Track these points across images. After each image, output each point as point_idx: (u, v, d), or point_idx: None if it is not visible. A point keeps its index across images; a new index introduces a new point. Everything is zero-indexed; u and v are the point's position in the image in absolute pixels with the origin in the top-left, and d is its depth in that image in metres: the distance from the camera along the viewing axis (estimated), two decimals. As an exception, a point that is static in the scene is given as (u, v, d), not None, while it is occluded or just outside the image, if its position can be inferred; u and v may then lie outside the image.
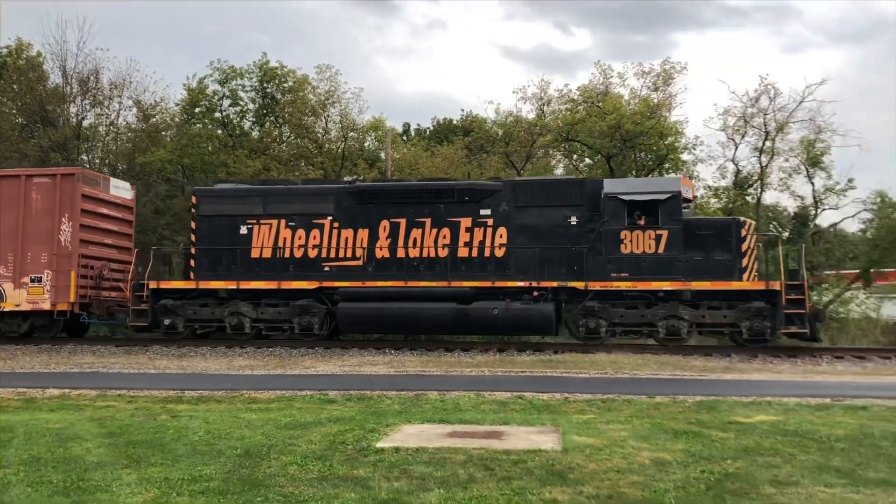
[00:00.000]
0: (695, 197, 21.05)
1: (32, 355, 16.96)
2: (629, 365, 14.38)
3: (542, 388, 11.01)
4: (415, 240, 18.01)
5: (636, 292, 17.07)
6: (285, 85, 29.91)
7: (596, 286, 17.05)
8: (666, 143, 27.59)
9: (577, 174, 28.58)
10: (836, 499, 5.36)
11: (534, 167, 29.32)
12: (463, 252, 17.82)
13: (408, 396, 10.38)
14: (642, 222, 16.98)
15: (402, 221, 18.09)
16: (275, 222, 18.55)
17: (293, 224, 18.48)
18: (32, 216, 19.10)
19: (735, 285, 16.62)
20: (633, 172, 26.34)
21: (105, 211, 20.29)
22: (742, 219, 17.81)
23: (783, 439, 7.41)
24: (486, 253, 17.74)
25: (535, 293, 17.29)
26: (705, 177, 35.64)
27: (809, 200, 26.91)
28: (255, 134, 30.94)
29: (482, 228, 17.85)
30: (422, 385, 11.50)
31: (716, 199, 27.90)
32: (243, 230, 18.62)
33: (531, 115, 29.67)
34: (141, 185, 25.65)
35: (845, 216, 27.44)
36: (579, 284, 17.11)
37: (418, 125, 45.12)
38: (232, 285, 18.32)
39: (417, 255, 17.95)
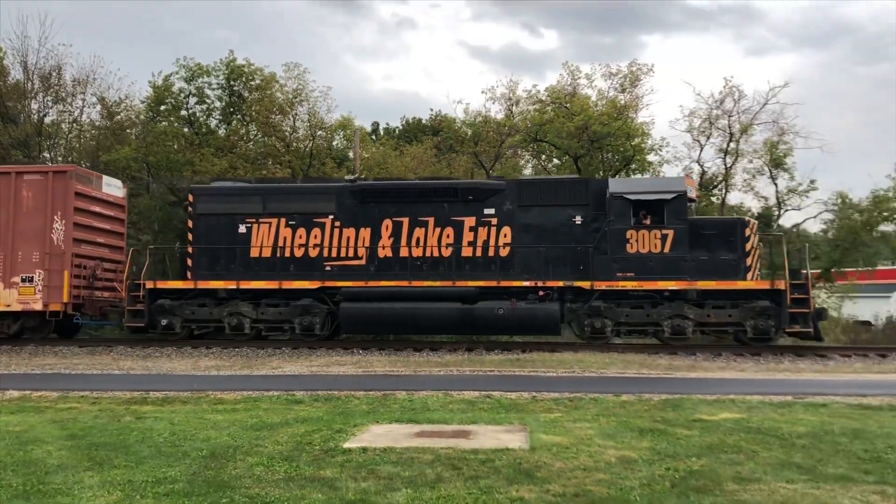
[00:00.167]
0: (698, 196, 21.23)
1: (-8, 356, 16.61)
2: (596, 364, 14.50)
3: (510, 388, 11.06)
4: (418, 239, 17.91)
5: (642, 292, 17.15)
6: (252, 83, 29.61)
7: (602, 286, 17.09)
8: (633, 144, 27.86)
9: (546, 174, 28.72)
10: (797, 494, 5.45)
11: (502, 167, 29.41)
12: (467, 252, 17.75)
13: (376, 396, 10.35)
14: (648, 222, 17.07)
15: (405, 221, 17.98)
16: (274, 221, 18.34)
17: (293, 223, 18.29)
18: (23, 214, 18.70)
19: (740, 285, 16.78)
20: (601, 173, 26.54)
21: (98, 209, 19.94)
22: (746, 218, 18.14)
23: (746, 436, 7.52)
24: (491, 252, 17.68)
25: (541, 293, 17.27)
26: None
27: (773, 201, 27.33)
28: (221, 132, 30.60)
29: (486, 228, 17.80)
30: (390, 385, 11.49)
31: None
32: (242, 229, 18.39)
33: (500, 116, 29.79)
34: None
35: (807, 217, 28.01)
36: (585, 284, 17.14)
37: (387, 124, 45.00)
38: (232, 285, 18.09)
39: (420, 254, 17.86)
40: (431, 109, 54.51)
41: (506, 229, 17.71)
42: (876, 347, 17.04)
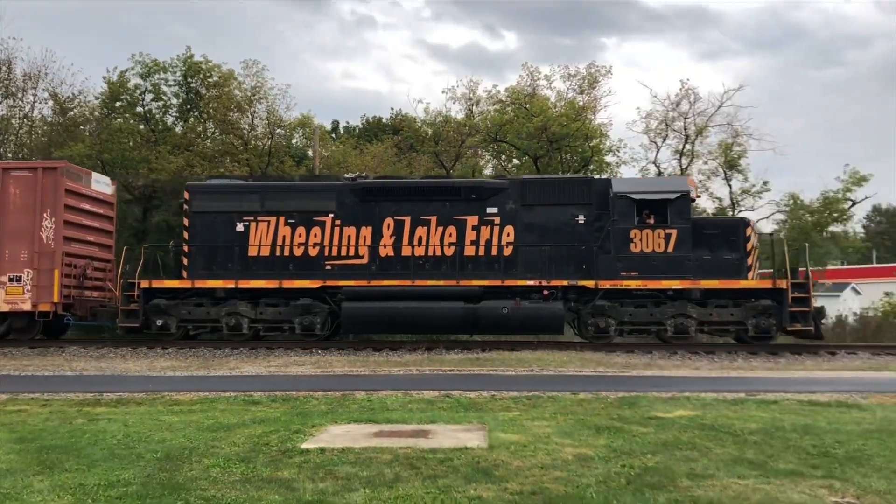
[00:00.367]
0: (698, 196, 21.45)
1: (-62, 358, 16.14)
2: (554, 362, 14.62)
3: (470, 387, 11.08)
4: (420, 238, 17.83)
5: (646, 291, 17.26)
6: (210, 80, 29.23)
7: (606, 285, 17.18)
8: (591, 144, 28.18)
9: (506, 174, 28.87)
10: (748, 490, 5.57)
11: (463, 167, 29.50)
12: (469, 251, 17.72)
13: (334, 396, 10.30)
14: (651, 221, 17.21)
15: (407, 219, 17.89)
16: (273, 219, 18.10)
17: (293, 221, 18.07)
18: (10, 212, 18.20)
19: (743, 284, 17.03)
20: (560, 173, 26.78)
21: (87, 207, 19.48)
22: (747, 218, 18.36)
23: (700, 433, 7.65)
24: (494, 252, 17.68)
25: (545, 292, 17.29)
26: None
27: (727, 202, 27.86)
28: (178, 129, 30.16)
29: (489, 227, 17.78)
30: (349, 385, 11.44)
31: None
32: (240, 227, 18.11)
33: (460, 116, 29.88)
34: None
35: (760, 217, 28.54)
36: (589, 283, 17.22)
37: (347, 123, 44.80)
38: (230, 284, 17.80)
39: (423, 253, 17.77)
40: (392, 108, 54.35)
41: (508, 228, 17.73)
42: (826, 346, 17.45)
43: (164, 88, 29.52)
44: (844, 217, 27.71)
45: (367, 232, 17.90)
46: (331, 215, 18.04)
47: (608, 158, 29.11)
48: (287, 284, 17.70)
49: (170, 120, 30.51)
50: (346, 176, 19.77)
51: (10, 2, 55.39)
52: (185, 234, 18.35)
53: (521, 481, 5.77)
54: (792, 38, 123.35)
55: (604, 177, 20.44)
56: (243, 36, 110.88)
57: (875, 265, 44.00)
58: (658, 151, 28.45)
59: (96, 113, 29.74)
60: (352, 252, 17.90)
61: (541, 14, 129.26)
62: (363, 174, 21.31)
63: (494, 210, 17.79)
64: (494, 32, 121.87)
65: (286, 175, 22.99)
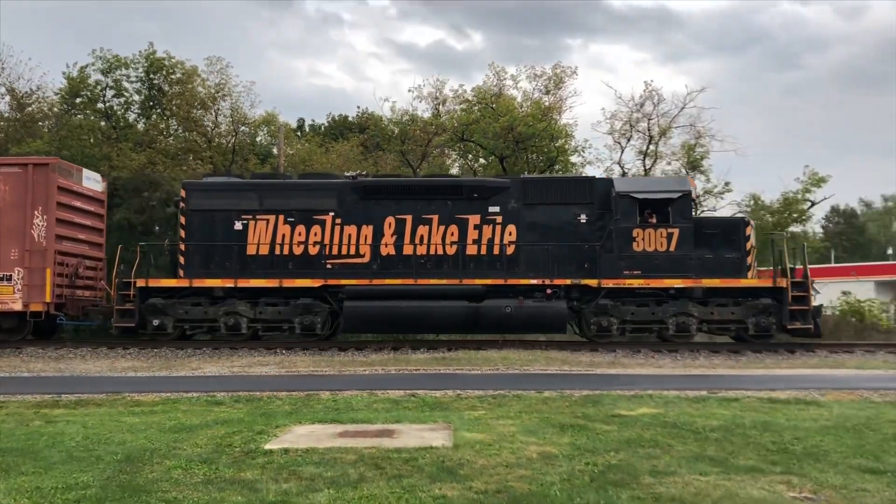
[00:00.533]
0: (697, 197, 21.64)
1: None
2: (519, 361, 14.68)
3: (436, 386, 11.08)
4: (421, 237, 17.73)
5: (648, 290, 17.34)
6: (173, 76, 28.83)
7: (609, 284, 17.24)
8: (556, 145, 28.33)
9: (472, 174, 28.94)
10: (709, 486, 5.64)
11: (430, 166, 29.50)
12: (471, 250, 17.67)
13: (299, 397, 10.23)
14: (653, 220, 17.30)
15: (408, 218, 17.78)
16: (272, 218, 17.85)
17: (292, 220, 17.86)
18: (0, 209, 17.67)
19: (744, 282, 17.21)
20: (526, 173, 26.90)
21: (79, 204, 19.02)
22: (746, 218, 18.56)
23: (663, 431, 7.74)
24: (496, 251, 17.65)
25: (548, 291, 17.29)
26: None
27: (689, 202, 28.15)
28: (140, 126, 29.72)
29: (491, 226, 17.74)
30: (314, 385, 11.36)
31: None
32: (238, 226, 17.85)
33: (427, 115, 29.86)
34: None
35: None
36: (592, 282, 17.27)
37: (313, 121, 44.44)
38: (229, 283, 17.53)
39: (424, 252, 17.68)
40: (358, 107, 54.13)
41: (511, 227, 17.72)
42: (784, 344, 17.76)
43: (126, 85, 29.08)
44: (804, 217, 28.30)
45: (368, 231, 17.80)
46: (331, 214, 17.90)
47: (573, 159, 29.33)
48: (287, 283, 17.52)
49: (132, 117, 30.05)
50: (347, 174, 19.64)
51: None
52: (182, 233, 18.03)
53: (485, 480, 5.78)
54: (753, 41, 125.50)
55: (605, 176, 20.52)
56: (207, 32, 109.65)
57: (833, 265, 44.91)
58: (622, 152, 28.75)
59: (55, 109, 29.18)
60: (353, 251, 17.79)
61: (507, 14, 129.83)
62: (364, 173, 21.19)
63: (496, 209, 17.80)
64: (461, 32, 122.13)
65: (285, 173, 22.76)
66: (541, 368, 13.85)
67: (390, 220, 17.81)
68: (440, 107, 30.08)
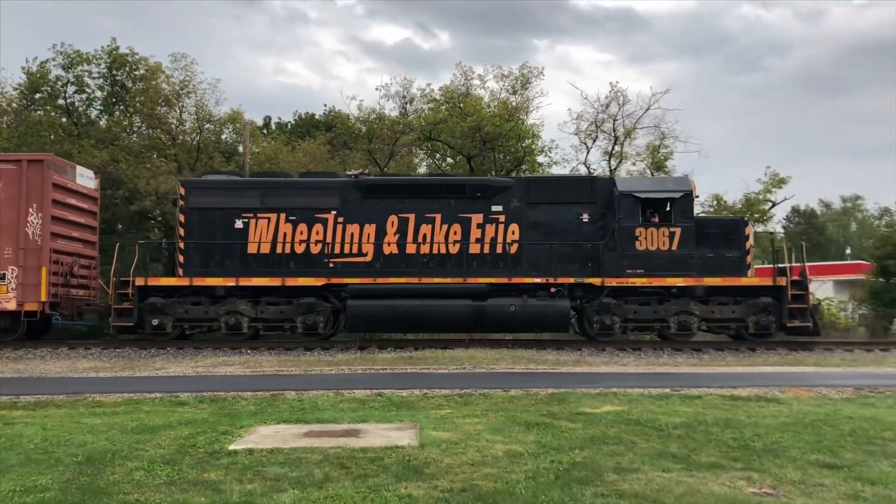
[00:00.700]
0: (697, 196, 21.87)
1: None
2: (486, 360, 14.72)
3: (402, 385, 11.07)
4: (424, 236, 17.68)
5: (650, 288, 17.46)
6: (136, 73, 28.43)
7: (612, 282, 17.33)
8: (523, 145, 28.48)
9: (440, 173, 28.94)
10: (671, 482, 5.72)
11: (397, 165, 29.45)
12: (474, 248, 17.68)
13: (264, 397, 10.15)
14: (656, 220, 17.43)
15: (411, 217, 17.73)
16: (273, 216, 17.69)
17: (294, 218, 17.71)
18: None
19: (745, 281, 17.44)
20: (493, 173, 26.99)
21: (73, 202, 18.63)
22: (745, 218, 18.83)
23: (626, 428, 7.82)
24: (499, 249, 17.66)
25: (552, 289, 17.33)
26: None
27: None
28: (102, 123, 29.24)
29: (494, 225, 17.76)
30: (279, 385, 11.28)
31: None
32: (238, 224, 17.65)
33: (394, 113, 29.82)
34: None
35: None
36: (596, 281, 17.36)
37: (279, 119, 44.07)
38: (231, 282, 17.32)
39: (427, 251, 17.64)
40: (325, 105, 53.85)
41: (513, 226, 17.77)
42: (746, 342, 18.03)
43: (88, 80, 28.60)
44: (765, 218, 28.76)
45: (370, 229, 17.74)
46: (333, 212, 17.81)
47: (540, 159, 29.51)
48: (290, 282, 17.39)
49: (94, 113, 29.59)
50: (349, 173, 19.59)
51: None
52: (181, 231, 17.79)
53: (451, 479, 5.79)
54: (716, 43, 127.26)
55: (609, 175, 20.64)
56: (171, 28, 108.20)
57: (793, 264, 45.67)
58: (588, 152, 29.01)
59: (14, 104, 28.57)
60: (355, 250, 17.72)
61: (474, 14, 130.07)
62: (366, 171, 21.12)
63: (499, 208, 17.86)
64: (428, 31, 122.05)
65: (285, 171, 22.57)
66: (507, 367, 13.90)
67: (393, 218, 17.80)
68: (407, 106, 30.09)
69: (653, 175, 28.03)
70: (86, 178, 19.62)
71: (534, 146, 29.07)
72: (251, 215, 17.74)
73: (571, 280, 17.48)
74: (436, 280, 17.38)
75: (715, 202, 28.39)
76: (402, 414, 8.85)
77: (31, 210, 17.43)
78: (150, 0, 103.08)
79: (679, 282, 17.41)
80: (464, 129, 26.96)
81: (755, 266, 19.28)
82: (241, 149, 29.68)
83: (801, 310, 17.44)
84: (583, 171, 28.69)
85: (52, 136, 27.45)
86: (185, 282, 17.43)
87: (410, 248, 17.68)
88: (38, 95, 28.29)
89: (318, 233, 17.74)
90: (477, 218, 17.82)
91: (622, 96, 28.13)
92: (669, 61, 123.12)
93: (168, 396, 10.25)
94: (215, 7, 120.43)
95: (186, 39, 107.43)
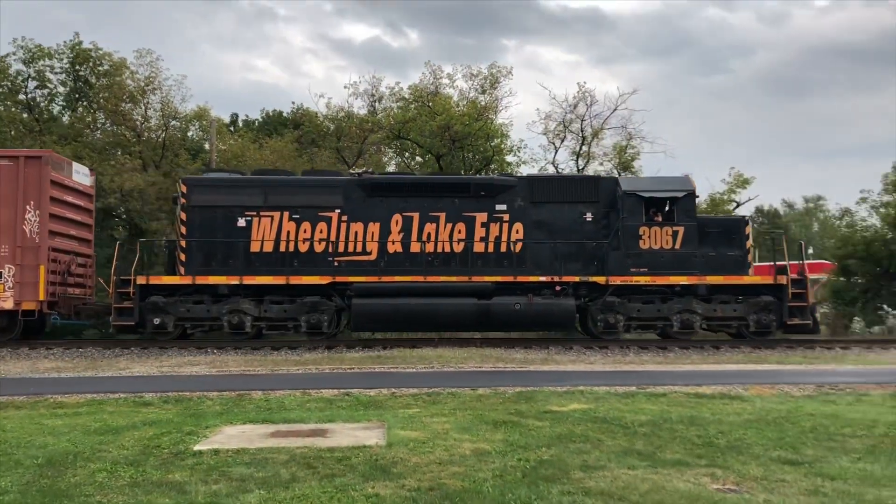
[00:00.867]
0: (697, 196, 22.03)
1: None
2: (455, 359, 14.73)
3: (370, 385, 11.04)
4: (429, 234, 17.62)
5: (654, 287, 17.56)
6: (100, 68, 28.01)
7: (617, 281, 17.41)
8: (492, 144, 28.56)
9: (410, 172, 28.91)
10: (637, 479, 5.77)
11: (366, 163, 29.36)
12: (479, 247, 17.66)
13: (230, 397, 10.05)
14: (659, 219, 17.54)
15: (416, 215, 17.68)
16: (277, 215, 17.51)
17: (297, 217, 17.54)
18: None
19: (747, 279, 17.65)
20: (462, 172, 27.04)
21: (70, 199, 18.23)
22: (746, 217, 19.01)
23: (593, 426, 7.88)
24: (503, 248, 17.69)
25: (558, 288, 17.36)
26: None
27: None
28: (65, 119, 28.74)
29: (498, 223, 17.77)
30: (245, 385, 11.18)
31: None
32: (241, 222, 17.43)
33: (363, 112, 29.75)
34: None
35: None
36: (601, 279, 17.44)
37: (247, 116, 43.70)
38: (234, 280, 17.10)
39: (432, 249, 17.60)
40: (293, 103, 53.44)
41: (517, 225, 17.80)
42: (710, 340, 18.29)
43: (50, 76, 28.14)
44: (730, 217, 29.10)
45: (374, 228, 17.67)
46: (337, 211, 17.70)
47: (509, 158, 29.63)
48: (294, 280, 17.25)
49: (56, 109, 29.09)
50: (352, 171, 19.44)
51: None
52: (183, 229, 17.54)
53: (418, 478, 5.79)
54: (681, 45, 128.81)
55: (611, 175, 20.78)
56: (136, 24, 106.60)
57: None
58: (556, 152, 29.19)
59: (-28, 99, 27.99)
60: (359, 248, 17.63)
61: (443, 13, 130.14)
62: (369, 170, 21.03)
63: (503, 207, 17.90)
64: (397, 30, 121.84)
65: (288, 170, 22.36)
66: (475, 366, 13.92)
67: (397, 217, 17.77)
68: (376, 104, 30.04)
69: (619, 175, 28.28)
70: (81, 175, 19.32)
71: (503, 146, 29.18)
72: (254, 213, 17.61)
73: (576, 278, 17.62)
74: (441, 278, 17.43)
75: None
76: (370, 413, 8.82)
77: (28, 207, 17.13)
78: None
79: (683, 280, 17.58)
80: (433, 127, 26.98)
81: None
82: (207, 146, 29.37)
83: (801, 308, 17.75)
84: (551, 171, 28.87)
85: (12, 132, 26.93)
86: (187, 280, 17.25)
87: (415, 247, 17.70)
88: (-3, 90, 27.75)
89: (321, 231, 17.65)
90: (481, 217, 17.89)
91: (590, 97, 28.44)
92: (636, 62, 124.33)
93: (132, 397, 10.10)
94: (181, 3, 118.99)
95: (152, 35, 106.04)
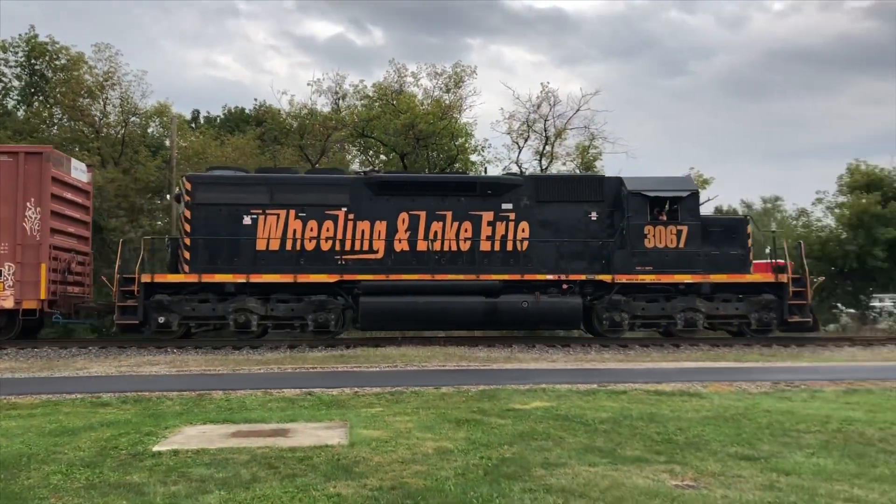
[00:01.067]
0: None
1: None
2: (418, 358, 14.74)
3: (333, 384, 10.99)
4: (435, 233, 17.59)
5: (659, 285, 17.70)
6: (57, 62, 27.42)
7: (622, 279, 17.54)
8: (457, 143, 28.59)
9: (374, 171, 28.78)
10: (597, 476, 5.83)
11: (329, 161, 29.19)
12: (485, 246, 17.70)
13: (190, 397, 9.93)
14: (663, 218, 17.67)
15: (422, 214, 17.64)
16: (283, 213, 17.34)
17: (303, 215, 17.40)
18: None
19: (749, 278, 17.89)
20: (427, 170, 27.02)
21: (69, 196, 17.80)
22: (748, 217, 19.29)
23: (555, 424, 7.94)
24: (510, 247, 17.75)
25: (565, 286, 17.44)
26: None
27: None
28: (20, 114, 28.09)
29: (504, 222, 17.82)
30: (206, 384, 11.05)
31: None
32: (247, 220, 17.24)
33: (326, 109, 29.54)
34: None
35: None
36: (607, 277, 17.57)
37: (208, 113, 43.06)
38: (241, 278, 16.86)
39: (438, 248, 17.59)
40: (255, 100, 52.92)
41: (523, 224, 17.88)
42: (670, 339, 18.53)
43: (4, 69, 27.46)
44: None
45: (381, 226, 17.63)
46: (344, 209, 17.60)
47: (473, 157, 29.67)
48: (302, 279, 17.12)
49: (10, 103, 28.39)
50: (359, 170, 19.26)
51: None
52: (187, 227, 17.28)
53: (381, 477, 5.78)
54: (643, 47, 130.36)
55: (616, 175, 20.91)
56: (94, 17, 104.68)
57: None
58: (520, 152, 29.31)
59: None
60: (366, 246, 17.58)
61: (408, 11, 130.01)
62: (376, 168, 20.86)
63: (509, 206, 17.97)
64: (361, 27, 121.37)
65: (294, 168, 22.07)
66: (439, 364, 13.94)
67: (404, 215, 17.77)
68: (340, 102, 29.85)
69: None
70: (80, 172, 18.97)
71: (467, 145, 29.22)
72: (260, 211, 17.48)
73: (583, 277, 17.77)
74: (448, 277, 17.47)
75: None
76: (333, 413, 8.78)
77: (28, 204, 16.76)
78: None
79: (687, 278, 17.81)
80: (397, 126, 26.91)
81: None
82: (168, 143, 28.94)
83: (801, 306, 18.08)
84: (515, 170, 28.99)
85: (-36, 127, 26.26)
86: (193, 278, 17.04)
87: (422, 245, 17.73)
88: (-52, 84, 27.04)
89: (328, 229, 17.57)
90: (487, 216, 17.97)
91: (553, 97, 28.56)
92: (598, 63, 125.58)
93: (89, 397, 9.93)
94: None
95: (111, 30, 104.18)
